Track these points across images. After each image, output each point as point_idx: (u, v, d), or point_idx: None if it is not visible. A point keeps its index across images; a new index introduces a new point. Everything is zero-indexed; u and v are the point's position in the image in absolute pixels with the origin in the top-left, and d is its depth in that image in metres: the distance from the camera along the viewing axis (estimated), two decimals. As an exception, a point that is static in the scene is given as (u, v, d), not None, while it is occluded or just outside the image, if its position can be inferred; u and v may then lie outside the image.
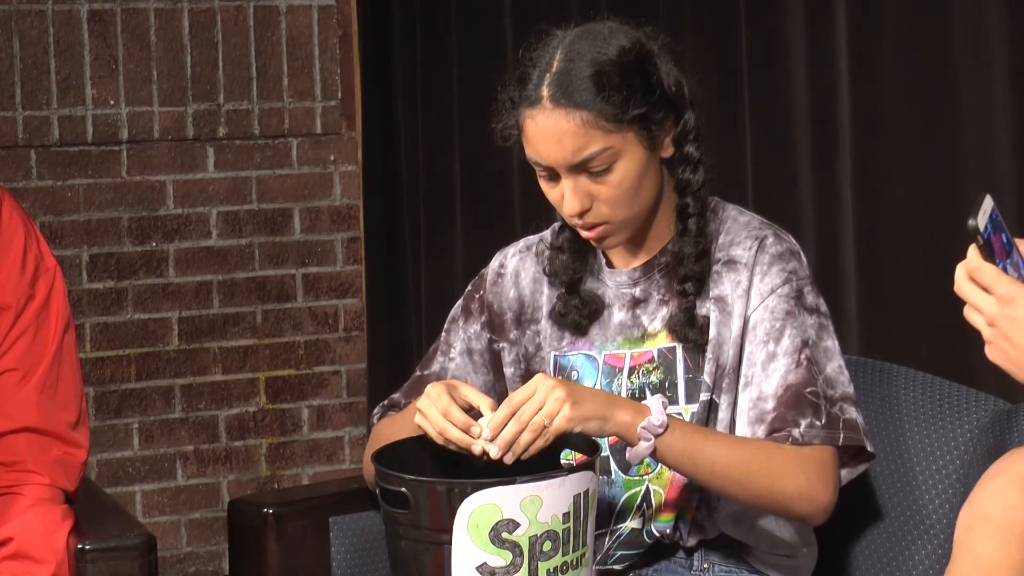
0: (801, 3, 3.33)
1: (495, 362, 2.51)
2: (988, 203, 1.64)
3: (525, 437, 2.14)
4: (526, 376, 2.47)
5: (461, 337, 2.53)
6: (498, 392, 2.51)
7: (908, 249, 3.13)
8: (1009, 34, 2.91)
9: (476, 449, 2.18)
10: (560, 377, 2.38)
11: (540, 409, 2.14)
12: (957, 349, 3.03)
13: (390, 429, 2.46)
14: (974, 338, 3.02)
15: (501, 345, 2.50)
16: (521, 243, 2.54)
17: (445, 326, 2.56)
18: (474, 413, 2.22)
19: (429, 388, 2.24)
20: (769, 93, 3.43)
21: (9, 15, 4.34)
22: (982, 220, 1.64)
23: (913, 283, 3.12)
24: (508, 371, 2.49)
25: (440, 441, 2.21)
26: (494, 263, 2.54)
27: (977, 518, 1.92)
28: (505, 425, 2.15)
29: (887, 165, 3.17)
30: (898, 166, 3.14)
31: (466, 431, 2.18)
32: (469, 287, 2.57)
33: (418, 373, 2.55)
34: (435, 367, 2.53)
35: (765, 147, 3.45)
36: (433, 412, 2.20)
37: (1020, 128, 2.92)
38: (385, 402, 2.57)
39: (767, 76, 3.43)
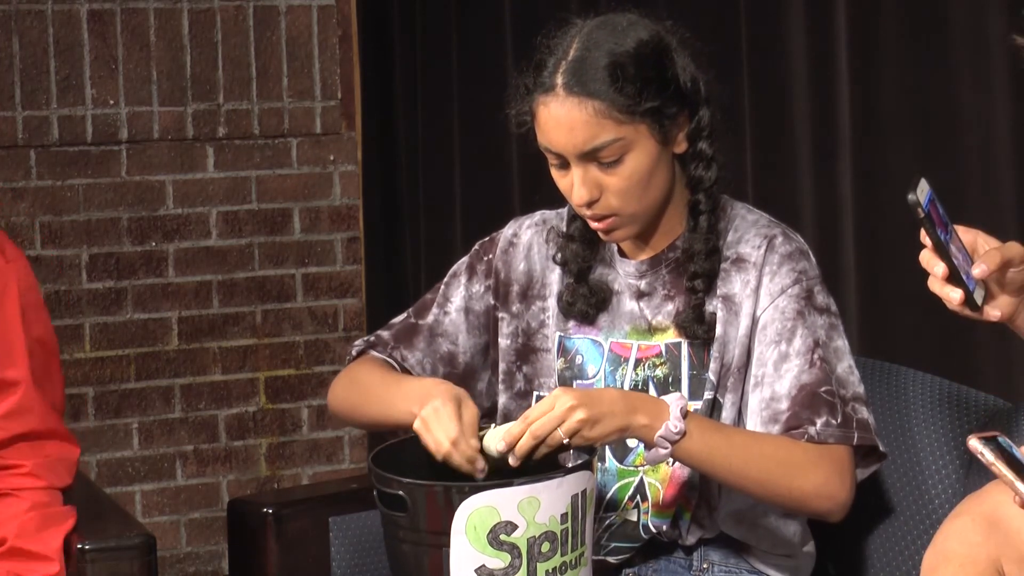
0: (801, 3, 3.33)
1: (491, 327, 2.51)
2: (924, 184, 1.80)
3: (542, 450, 2.15)
4: (523, 351, 2.46)
5: (461, 294, 2.52)
6: (491, 359, 2.51)
7: (908, 249, 3.12)
8: (1007, 40, 2.91)
9: (479, 464, 2.18)
10: (578, 388, 2.36)
11: (558, 425, 2.13)
12: (957, 349, 3.03)
13: (367, 375, 2.47)
14: (974, 338, 3.03)
15: (502, 315, 2.49)
16: (538, 215, 2.53)
17: (445, 279, 2.54)
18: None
19: (440, 403, 2.22)
20: (769, 93, 3.43)
21: (9, 15, 4.34)
22: (921, 196, 1.79)
23: (913, 283, 3.11)
24: (504, 342, 2.48)
25: (439, 459, 2.21)
26: (507, 231, 2.53)
27: (941, 558, 1.94)
28: (519, 438, 2.14)
29: (887, 165, 3.17)
30: (898, 166, 3.14)
31: (471, 463, 2.18)
32: (477, 247, 2.55)
33: (412, 320, 2.53)
34: (429, 318, 2.52)
35: (765, 147, 3.44)
36: (441, 436, 2.20)
37: (1020, 128, 2.92)
38: (371, 338, 2.55)
39: (767, 76, 3.43)
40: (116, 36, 4.45)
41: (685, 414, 2.18)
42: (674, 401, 2.18)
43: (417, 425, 2.24)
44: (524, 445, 2.13)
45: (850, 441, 2.26)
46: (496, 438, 2.16)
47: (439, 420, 2.21)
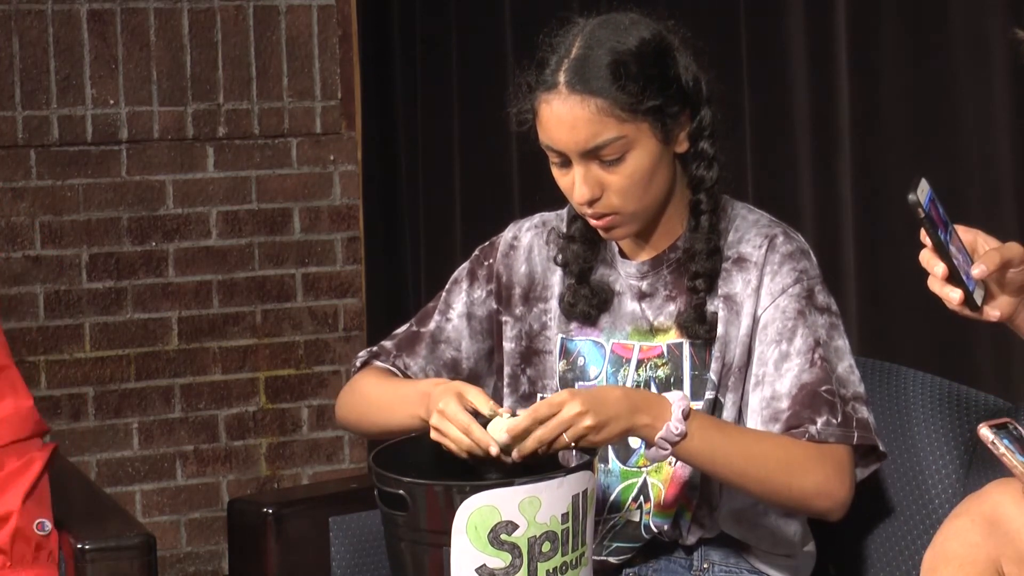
0: (801, 3, 3.33)
1: (495, 332, 2.51)
2: (924, 184, 1.81)
3: (545, 450, 2.15)
4: (526, 354, 2.46)
5: (463, 300, 2.52)
6: (495, 364, 2.51)
7: (907, 249, 3.12)
8: (1009, 34, 2.91)
9: (493, 450, 2.17)
10: (582, 389, 2.36)
11: (564, 430, 2.12)
12: (957, 349, 3.03)
13: (370, 385, 2.48)
14: (973, 338, 3.03)
15: (505, 318, 2.49)
16: (537, 218, 2.53)
17: (447, 286, 2.55)
18: (482, 419, 2.22)
19: (443, 404, 2.21)
20: (769, 93, 3.43)
21: (9, 15, 4.34)
22: (921, 196, 1.80)
23: (913, 283, 3.11)
24: (508, 345, 2.48)
25: (463, 456, 2.20)
26: (507, 234, 2.53)
27: (940, 559, 1.94)
28: (525, 433, 2.14)
29: (887, 165, 3.17)
30: (897, 165, 3.15)
31: (486, 449, 2.18)
32: (477, 252, 2.55)
33: (414, 328, 2.54)
34: (431, 325, 2.52)
35: (765, 147, 3.45)
36: (454, 432, 2.19)
37: (1020, 128, 2.92)
38: (374, 348, 2.56)
39: (767, 76, 3.43)
40: (116, 36, 4.45)
41: (687, 414, 2.18)
42: (676, 401, 2.18)
43: (434, 435, 2.23)
44: (528, 447, 2.13)
45: (850, 440, 2.27)
46: (500, 429, 2.16)
47: (449, 418, 2.21)
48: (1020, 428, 1.74)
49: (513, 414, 2.19)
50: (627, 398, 2.18)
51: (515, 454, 2.15)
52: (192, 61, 4.52)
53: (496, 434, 2.16)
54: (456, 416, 2.19)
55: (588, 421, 2.12)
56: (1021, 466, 1.71)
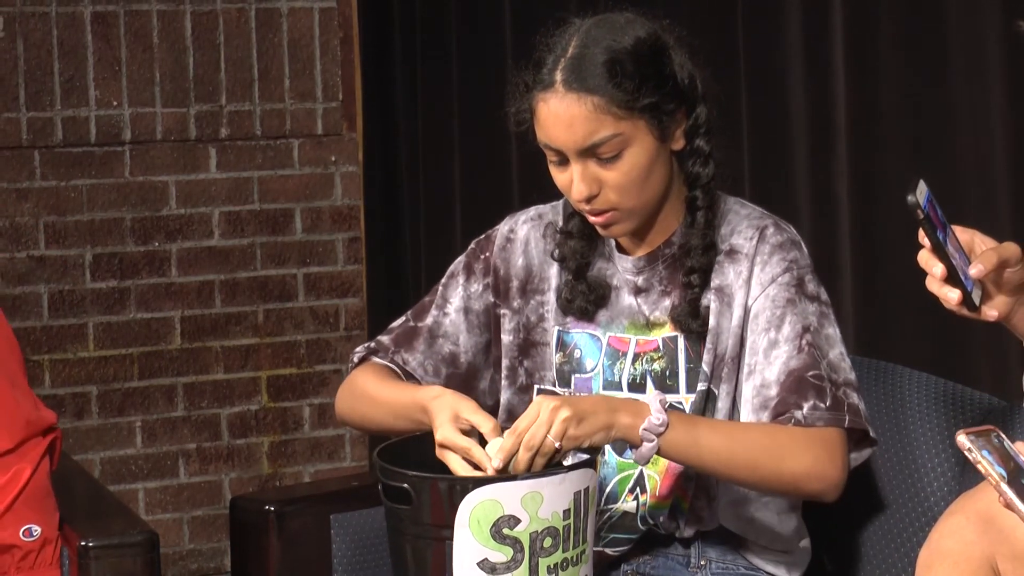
0: (798, 3, 3.34)
1: (492, 325, 2.51)
2: (923, 186, 1.83)
3: (539, 461, 2.16)
4: (524, 346, 2.47)
5: (460, 294, 2.52)
6: (493, 357, 2.53)
7: (904, 248, 3.13)
8: (1005, 34, 2.92)
9: (490, 470, 2.19)
10: (560, 393, 2.38)
11: (548, 431, 2.14)
12: (953, 348, 3.04)
13: (370, 384, 2.48)
14: (970, 337, 3.04)
15: (503, 311, 2.50)
16: (533, 211, 2.54)
17: (443, 280, 2.54)
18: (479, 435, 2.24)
19: (440, 435, 2.22)
20: (766, 93, 3.44)
21: (13, 17, 4.36)
22: (920, 198, 1.81)
23: (909, 282, 3.13)
24: (506, 338, 2.49)
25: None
26: (503, 227, 2.54)
27: (936, 556, 1.95)
28: (513, 451, 2.15)
29: (883, 164, 3.18)
30: (894, 165, 3.15)
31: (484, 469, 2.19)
32: (473, 245, 2.55)
33: (412, 323, 2.54)
34: (428, 320, 2.52)
35: (762, 146, 3.45)
36: (455, 464, 2.21)
37: (1018, 128, 2.93)
38: (372, 344, 2.55)
39: (765, 76, 3.44)
40: (119, 38, 4.46)
41: (666, 406, 2.20)
42: (653, 399, 2.20)
43: (438, 453, 2.25)
44: (522, 458, 2.15)
45: (841, 423, 2.26)
46: (493, 452, 2.18)
47: (449, 447, 2.22)
48: (1003, 437, 1.74)
49: None
50: (605, 399, 2.21)
51: (511, 471, 2.16)
52: (195, 63, 4.54)
53: (492, 455, 2.18)
54: (455, 443, 2.21)
55: (565, 413, 2.13)
56: (997, 476, 1.69)
